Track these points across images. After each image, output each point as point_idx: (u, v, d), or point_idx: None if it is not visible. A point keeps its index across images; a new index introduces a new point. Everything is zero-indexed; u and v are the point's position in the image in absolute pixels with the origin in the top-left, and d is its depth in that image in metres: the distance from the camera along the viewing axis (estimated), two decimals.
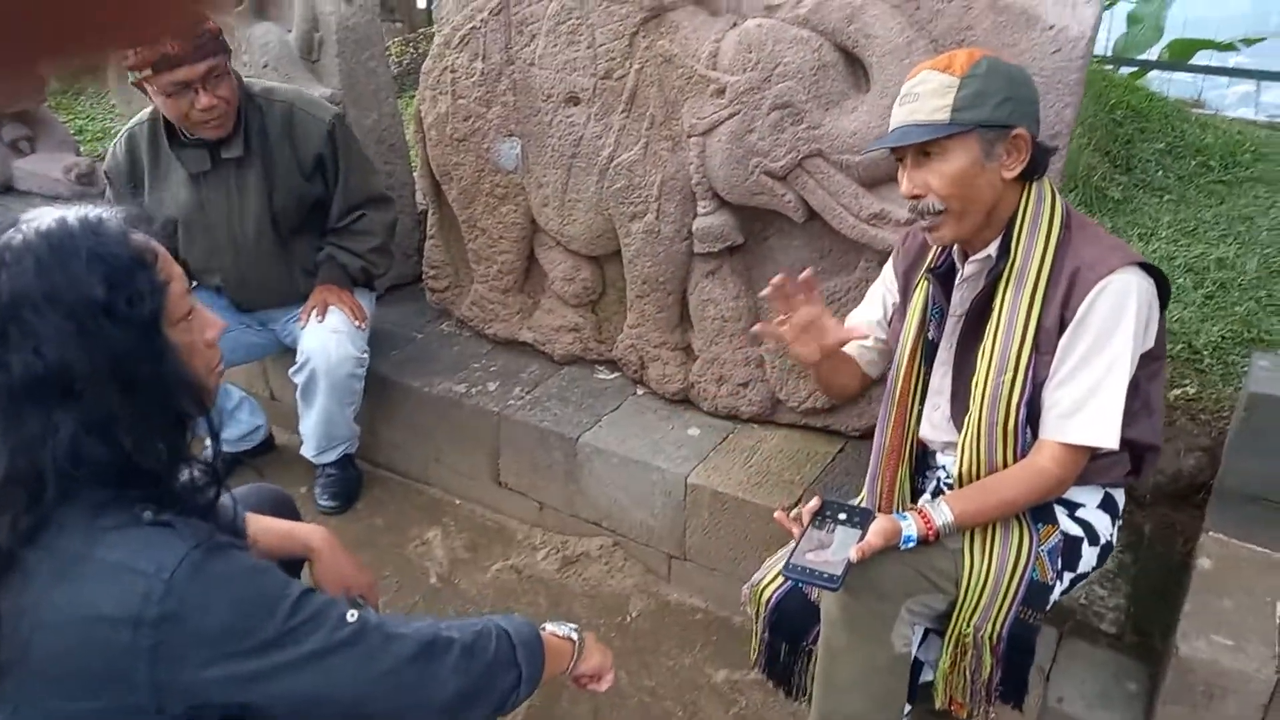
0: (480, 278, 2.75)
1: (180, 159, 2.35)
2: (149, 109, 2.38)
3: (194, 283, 2.39)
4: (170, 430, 1.08)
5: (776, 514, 1.59)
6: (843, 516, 1.54)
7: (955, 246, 1.62)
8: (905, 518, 1.52)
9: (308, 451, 2.55)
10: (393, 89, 3.03)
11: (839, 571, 1.45)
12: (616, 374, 2.64)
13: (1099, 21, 1.82)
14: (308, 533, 1.56)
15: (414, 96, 2.68)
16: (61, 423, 0.99)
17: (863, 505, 1.67)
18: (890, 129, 1.50)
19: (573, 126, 2.34)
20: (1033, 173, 1.50)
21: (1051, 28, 1.79)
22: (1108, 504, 1.64)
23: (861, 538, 1.49)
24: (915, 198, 1.48)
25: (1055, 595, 1.58)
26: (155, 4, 0.28)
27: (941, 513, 1.51)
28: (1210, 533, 1.97)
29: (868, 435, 2.30)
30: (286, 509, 1.65)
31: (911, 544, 1.50)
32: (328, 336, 2.41)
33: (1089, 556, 1.62)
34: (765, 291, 1.63)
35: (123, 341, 1.00)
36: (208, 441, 1.17)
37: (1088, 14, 1.80)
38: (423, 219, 3.19)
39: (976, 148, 1.43)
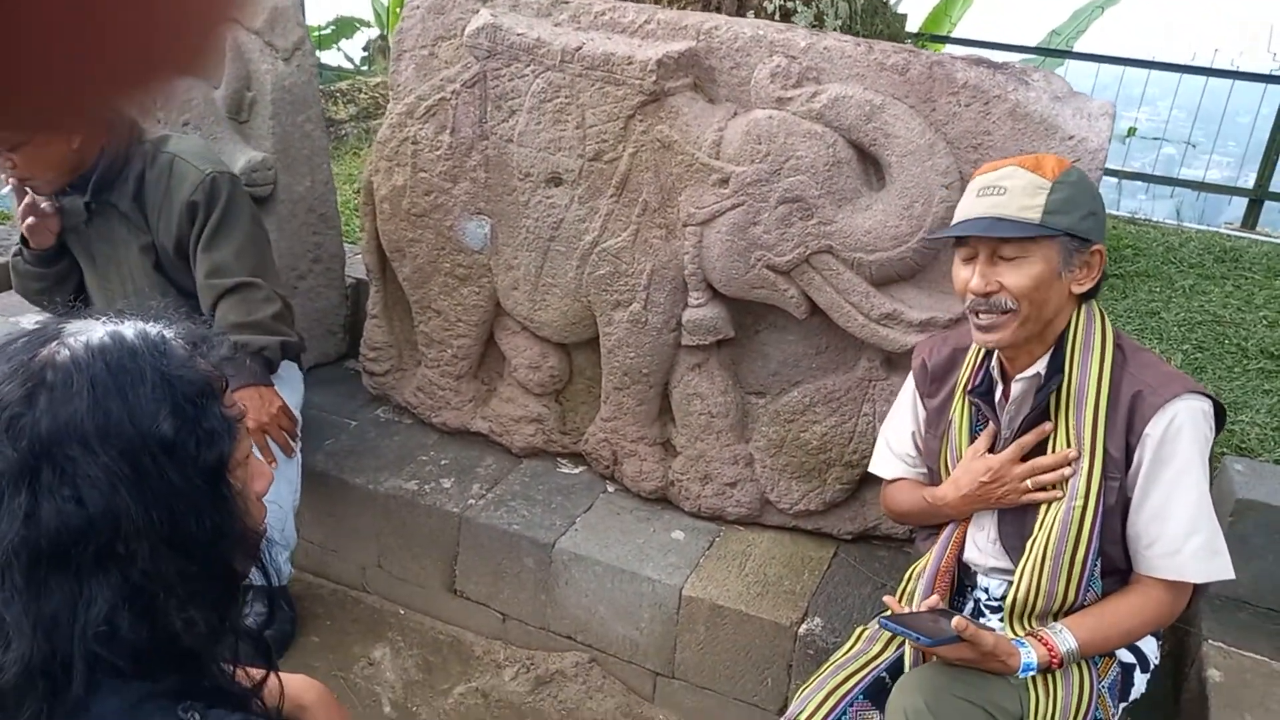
0: (430, 362, 2.53)
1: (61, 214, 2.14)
2: None
3: None
4: (220, 598, 0.85)
5: (886, 598, 1.53)
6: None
7: (994, 361, 1.57)
8: (1024, 644, 1.42)
9: None
10: (328, 154, 2.79)
11: (939, 637, 1.37)
12: (582, 468, 2.46)
13: (1111, 135, 1.84)
14: (298, 689, 1.31)
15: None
16: (97, 593, 0.76)
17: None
18: (961, 217, 1.45)
19: (553, 208, 2.19)
20: (1093, 293, 1.47)
21: (1071, 138, 1.80)
22: None
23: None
24: (985, 295, 1.42)
25: None
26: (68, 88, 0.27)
27: (1064, 640, 1.42)
28: (1210, 641, 1.97)
29: (860, 539, 2.23)
30: None
31: (1031, 672, 1.40)
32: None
33: (1140, 683, 1.57)
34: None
35: (184, 490, 0.79)
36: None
37: (1103, 126, 1.82)
38: (351, 294, 2.94)
39: (1057, 256, 1.39)
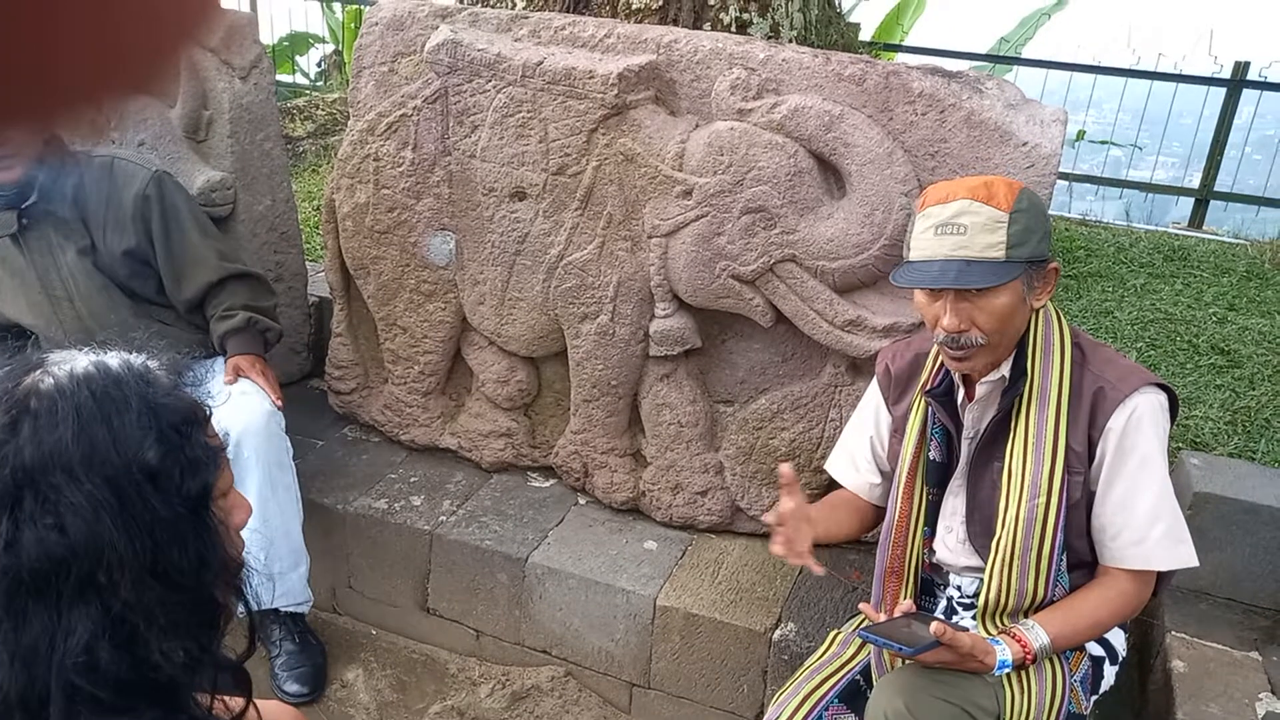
0: (397, 379, 2.51)
1: None
2: None
3: None
4: (202, 629, 0.85)
5: (862, 605, 1.52)
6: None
7: None
8: (998, 642, 1.44)
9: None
10: (288, 173, 2.77)
11: (918, 645, 1.39)
12: (553, 481, 2.46)
13: (1064, 141, 1.89)
14: (273, 715, 1.30)
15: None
16: (77, 622, 0.75)
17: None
18: (922, 256, 1.43)
19: (518, 222, 2.20)
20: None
21: (1025, 144, 1.84)
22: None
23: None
24: (959, 332, 1.43)
25: None
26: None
27: (1037, 636, 1.45)
28: (1174, 633, 2.02)
29: (829, 544, 2.25)
30: None
31: (1007, 669, 1.43)
32: (235, 398, 2.07)
33: (1109, 675, 1.61)
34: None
35: (168, 518, 0.78)
36: None
37: (1056, 133, 1.87)
38: (315, 313, 2.92)
39: (1021, 284, 1.42)
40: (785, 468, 1.56)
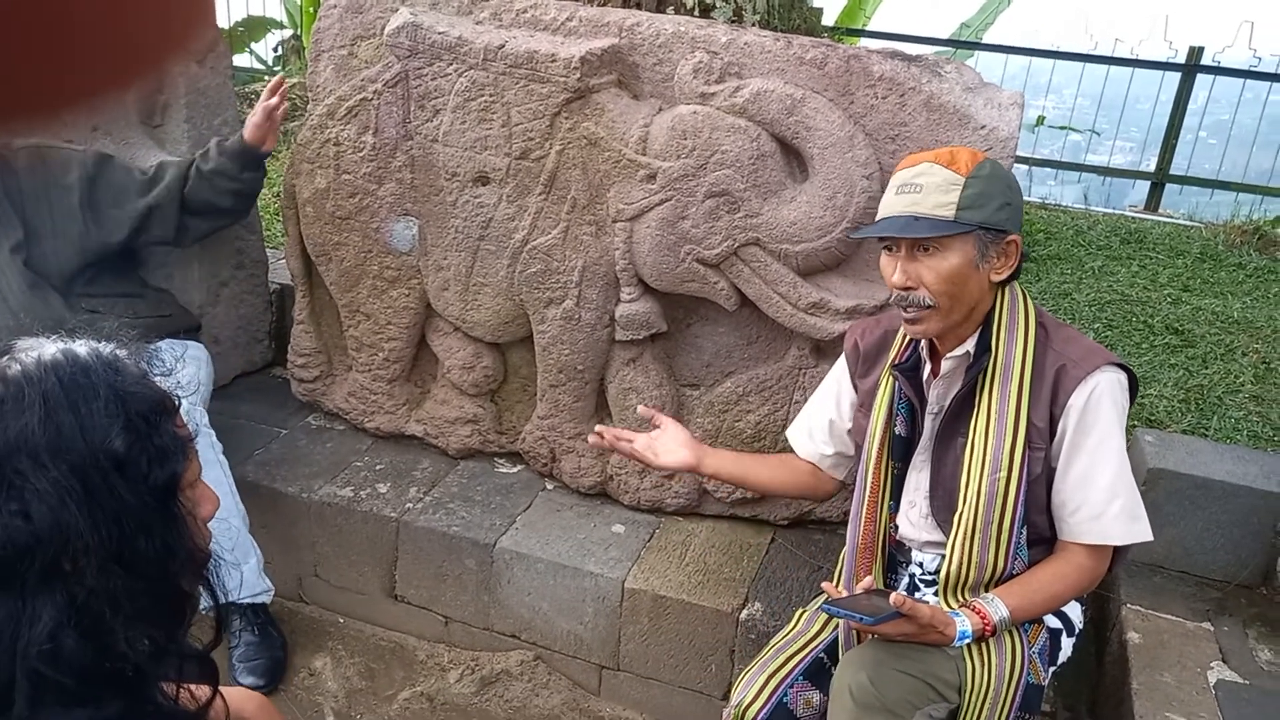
0: (361, 366, 2.49)
1: None
2: None
3: None
4: (167, 618, 0.84)
5: (824, 584, 1.56)
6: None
7: (923, 341, 1.62)
8: (958, 615, 1.48)
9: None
10: None
11: (879, 615, 1.42)
12: (520, 467, 2.46)
13: (1021, 124, 1.92)
14: (238, 702, 1.29)
15: None
16: (41, 610, 0.75)
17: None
18: (882, 215, 1.49)
19: (481, 207, 2.19)
20: (1014, 277, 1.53)
21: (984, 128, 1.87)
22: None
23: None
24: (906, 289, 1.47)
25: (1045, 693, 1.58)
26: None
27: (996, 608, 1.49)
28: (1129, 605, 2.07)
29: (796, 524, 2.28)
30: None
31: (967, 640, 1.46)
32: None
33: (1066, 647, 1.64)
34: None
35: (135, 507, 0.78)
36: None
37: (1013, 116, 1.89)
38: (276, 300, 2.88)
39: (973, 248, 1.44)
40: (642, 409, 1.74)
